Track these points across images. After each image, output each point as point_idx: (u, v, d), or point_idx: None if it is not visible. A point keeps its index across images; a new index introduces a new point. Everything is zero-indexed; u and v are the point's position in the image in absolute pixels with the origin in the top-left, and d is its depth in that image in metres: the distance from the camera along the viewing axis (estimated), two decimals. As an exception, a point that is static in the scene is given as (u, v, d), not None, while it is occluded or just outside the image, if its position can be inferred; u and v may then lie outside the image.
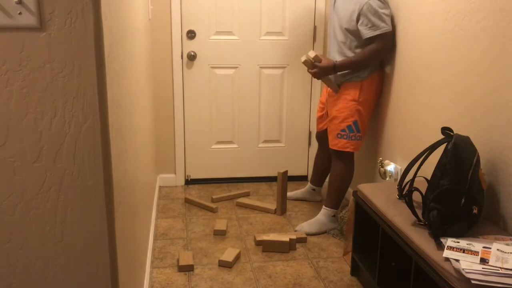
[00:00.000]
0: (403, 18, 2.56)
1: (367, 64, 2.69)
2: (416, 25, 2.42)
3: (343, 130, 2.76)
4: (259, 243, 2.70)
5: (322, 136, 3.07)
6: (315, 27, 3.54)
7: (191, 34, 3.43)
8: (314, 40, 3.56)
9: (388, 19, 2.59)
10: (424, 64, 2.36)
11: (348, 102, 2.75)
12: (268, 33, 3.51)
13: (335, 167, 2.86)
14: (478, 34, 1.92)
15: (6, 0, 1.07)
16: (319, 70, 2.75)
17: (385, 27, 2.57)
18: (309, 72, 2.81)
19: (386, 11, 2.59)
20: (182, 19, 3.40)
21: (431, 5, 2.27)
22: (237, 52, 3.51)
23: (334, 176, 2.87)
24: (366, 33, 2.59)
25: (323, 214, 2.91)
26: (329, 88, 2.87)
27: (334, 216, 2.91)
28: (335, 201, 2.89)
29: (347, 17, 2.66)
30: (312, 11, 3.52)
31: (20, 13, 1.07)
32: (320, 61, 2.76)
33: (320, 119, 3.05)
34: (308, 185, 3.37)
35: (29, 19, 1.08)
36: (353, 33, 2.67)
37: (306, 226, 2.88)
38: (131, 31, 1.90)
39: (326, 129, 2.96)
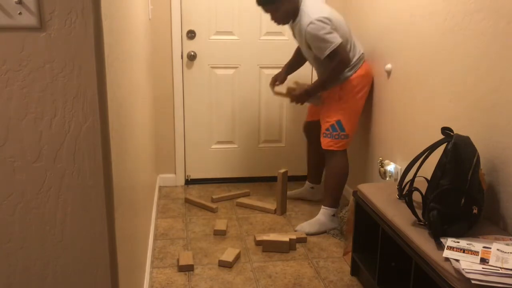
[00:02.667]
0: (403, 18, 2.56)
1: (336, 79, 2.76)
2: (416, 25, 2.42)
3: (327, 129, 2.86)
4: (259, 243, 2.70)
5: (309, 128, 3.13)
6: (315, 27, 3.54)
7: (191, 34, 3.43)
8: (314, 40, 3.55)
9: (331, 36, 2.60)
10: (424, 64, 2.36)
11: (331, 104, 2.86)
12: (268, 33, 3.51)
13: (328, 166, 2.91)
14: (478, 34, 1.92)
15: (6, 0, 1.07)
16: (296, 98, 2.87)
17: (331, 46, 2.61)
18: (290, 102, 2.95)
19: (326, 29, 2.59)
20: (182, 19, 3.40)
21: (431, 5, 2.27)
22: (237, 52, 3.51)
23: (328, 175, 2.90)
24: (320, 55, 2.68)
25: (322, 213, 2.91)
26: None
27: (334, 215, 2.91)
28: (333, 200, 2.90)
29: (302, 44, 2.80)
30: (312, 11, 3.52)
31: (20, 13, 1.07)
32: (294, 90, 2.88)
33: (313, 109, 3.10)
34: (306, 183, 3.37)
35: (29, 19, 1.08)
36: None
37: (306, 226, 2.88)
38: (131, 31, 1.90)
39: (314, 121, 3.04)
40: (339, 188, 2.91)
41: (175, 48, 3.42)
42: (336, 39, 2.61)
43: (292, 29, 2.87)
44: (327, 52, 2.62)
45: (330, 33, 2.60)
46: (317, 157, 3.17)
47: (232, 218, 3.09)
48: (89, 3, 1.09)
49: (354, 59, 2.80)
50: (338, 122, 2.81)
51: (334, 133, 2.83)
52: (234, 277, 2.38)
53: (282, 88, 2.99)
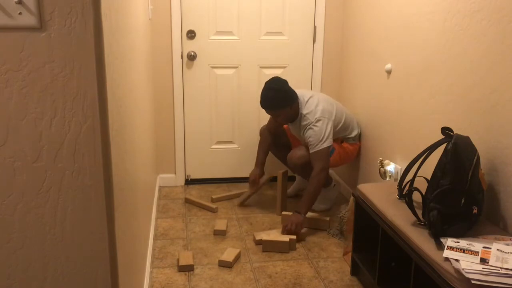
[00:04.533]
0: (403, 18, 2.56)
1: (320, 188, 2.92)
2: (416, 25, 2.42)
3: None
4: (258, 242, 2.70)
5: (267, 138, 3.27)
6: (315, 27, 3.54)
7: (191, 34, 3.43)
8: (314, 40, 3.56)
9: (324, 139, 2.84)
10: (424, 64, 2.36)
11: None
12: (268, 33, 3.51)
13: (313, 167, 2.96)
14: (478, 34, 1.92)
15: (6, 0, 1.07)
16: (296, 227, 2.79)
17: (319, 146, 2.84)
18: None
19: (321, 132, 2.84)
20: (182, 19, 3.40)
21: (431, 5, 2.27)
22: (237, 52, 3.51)
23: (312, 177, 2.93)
24: (310, 149, 2.87)
25: (324, 191, 3.15)
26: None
27: (333, 185, 3.22)
28: (326, 181, 3.11)
29: (299, 135, 3.03)
30: (312, 11, 3.52)
31: (20, 13, 1.07)
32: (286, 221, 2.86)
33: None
34: (297, 175, 3.47)
35: (29, 19, 1.08)
36: None
37: (321, 206, 3.16)
38: (131, 31, 1.90)
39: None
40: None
41: (175, 48, 3.42)
42: (326, 143, 2.85)
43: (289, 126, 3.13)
44: (315, 150, 2.85)
45: (325, 137, 2.85)
46: (282, 152, 3.29)
47: (232, 218, 3.09)
48: (89, 3, 1.09)
49: (353, 134, 3.11)
50: (333, 149, 2.99)
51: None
52: (234, 277, 2.38)
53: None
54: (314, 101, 2.94)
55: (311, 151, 2.87)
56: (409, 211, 1.83)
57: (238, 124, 3.64)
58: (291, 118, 2.97)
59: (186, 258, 2.49)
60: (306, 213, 2.85)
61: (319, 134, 2.85)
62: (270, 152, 3.40)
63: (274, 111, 2.92)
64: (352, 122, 3.11)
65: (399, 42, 2.61)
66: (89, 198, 1.20)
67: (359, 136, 3.17)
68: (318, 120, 2.87)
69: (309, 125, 2.87)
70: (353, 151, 3.13)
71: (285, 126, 3.25)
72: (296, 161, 2.95)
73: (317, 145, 2.84)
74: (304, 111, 2.91)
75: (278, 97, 2.86)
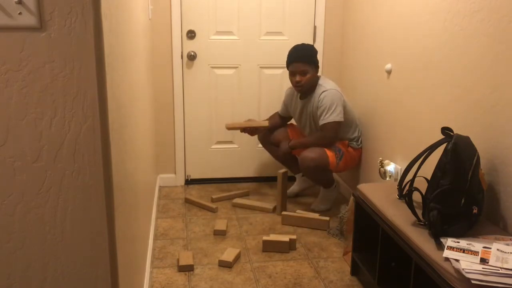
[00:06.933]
0: (404, 18, 2.56)
1: (317, 146, 2.98)
2: (416, 25, 2.42)
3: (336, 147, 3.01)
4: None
5: (267, 138, 3.33)
6: (315, 27, 3.54)
7: (191, 34, 3.43)
8: (314, 40, 3.56)
9: (338, 111, 2.91)
10: (424, 64, 2.36)
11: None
12: (268, 33, 3.51)
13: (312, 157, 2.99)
14: (478, 34, 1.92)
15: (6, 0, 1.07)
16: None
17: (332, 118, 2.90)
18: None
19: (338, 102, 2.91)
20: (182, 19, 3.40)
21: (431, 5, 2.27)
22: (237, 52, 3.51)
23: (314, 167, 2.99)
24: (320, 121, 2.95)
25: (325, 191, 3.20)
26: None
27: (334, 187, 3.21)
28: (328, 181, 3.16)
29: (306, 114, 3.09)
30: (312, 11, 3.52)
31: (20, 13, 1.07)
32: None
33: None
34: (296, 176, 3.47)
35: (29, 19, 1.08)
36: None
37: (320, 206, 3.18)
38: (131, 31, 1.90)
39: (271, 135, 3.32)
40: (328, 172, 3.10)
41: (175, 48, 3.42)
42: (338, 117, 2.92)
43: (296, 104, 3.15)
44: (326, 121, 2.92)
45: (338, 107, 2.92)
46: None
47: (232, 218, 3.09)
48: (89, 3, 1.09)
49: (355, 135, 3.10)
50: (343, 153, 3.02)
51: (337, 153, 3.01)
52: (234, 277, 2.38)
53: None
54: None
55: (321, 122, 2.93)
56: (409, 211, 1.83)
57: (238, 124, 3.64)
58: (310, 86, 3.01)
59: (186, 258, 2.49)
60: (292, 145, 3.09)
61: (332, 101, 2.91)
62: (269, 154, 3.40)
63: (307, 63, 2.97)
64: (354, 123, 3.11)
65: (399, 42, 2.61)
66: (89, 198, 1.20)
67: (361, 142, 3.16)
68: (334, 90, 2.96)
69: (326, 91, 2.94)
70: (355, 157, 3.13)
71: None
72: (309, 164, 2.94)
73: (328, 113, 2.90)
74: (321, 81, 3.03)
75: (314, 50, 3.03)
